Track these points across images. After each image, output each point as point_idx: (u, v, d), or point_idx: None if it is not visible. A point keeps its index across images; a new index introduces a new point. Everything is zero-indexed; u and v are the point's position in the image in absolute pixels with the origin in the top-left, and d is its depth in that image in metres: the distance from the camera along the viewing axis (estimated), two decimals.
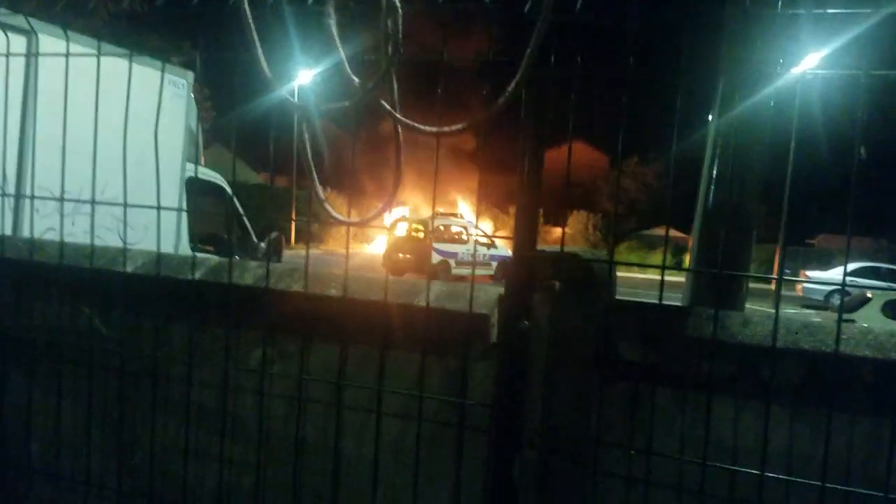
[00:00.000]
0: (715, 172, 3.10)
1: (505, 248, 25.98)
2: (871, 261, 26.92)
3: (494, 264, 24.84)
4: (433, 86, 2.14)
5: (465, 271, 23.28)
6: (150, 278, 2.51)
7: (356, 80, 1.91)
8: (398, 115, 1.90)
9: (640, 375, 1.92)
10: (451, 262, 23.33)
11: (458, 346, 2.15)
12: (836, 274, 24.51)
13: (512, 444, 2.01)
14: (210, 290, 2.42)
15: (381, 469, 2.22)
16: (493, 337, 2.08)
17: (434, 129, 1.88)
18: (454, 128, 1.87)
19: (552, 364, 1.95)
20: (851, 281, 23.28)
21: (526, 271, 1.97)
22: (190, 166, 8.60)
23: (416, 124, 1.89)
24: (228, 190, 10.30)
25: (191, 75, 8.39)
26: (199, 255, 3.35)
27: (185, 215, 8.64)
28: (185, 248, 8.64)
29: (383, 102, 1.91)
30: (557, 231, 38.46)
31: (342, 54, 1.92)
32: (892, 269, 25.85)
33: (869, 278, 24.45)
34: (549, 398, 1.96)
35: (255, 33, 2.02)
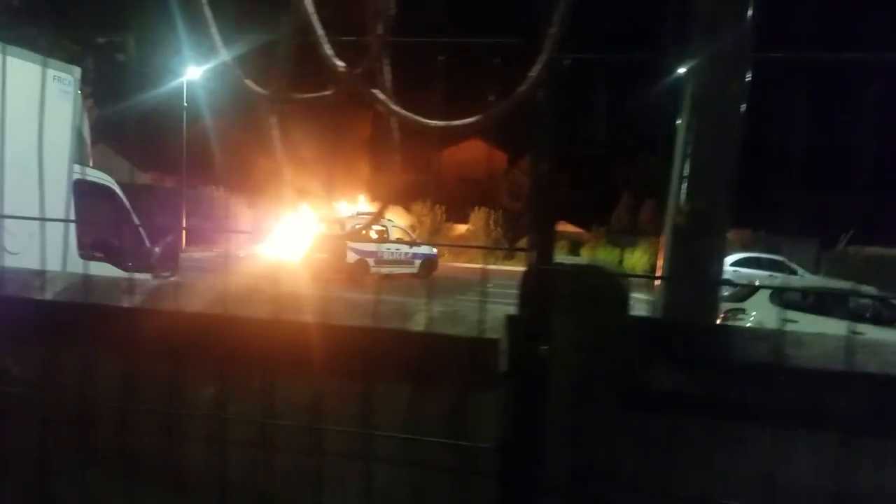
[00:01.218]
0: (687, 171, 2.93)
1: (426, 247, 25.63)
2: (751, 251, 28.36)
3: (418, 262, 24.55)
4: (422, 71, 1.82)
5: (385, 270, 22.71)
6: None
7: (340, 64, 1.57)
8: (394, 106, 1.57)
9: (680, 406, 1.67)
10: (370, 260, 22.73)
11: (458, 377, 1.84)
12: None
13: (529, 491, 1.72)
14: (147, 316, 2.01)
15: None
16: (502, 365, 1.79)
17: (439, 123, 1.57)
18: (465, 121, 1.57)
19: (576, 395, 1.68)
20: (735, 272, 24.32)
21: (543, 288, 1.69)
22: (77, 167, 7.94)
23: (416, 117, 1.57)
24: (119, 192, 9.59)
25: (77, 71, 7.77)
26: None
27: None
28: (74, 257, 7.96)
29: (375, 91, 1.58)
30: (459, 228, 38.41)
31: (320, 32, 1.58)
32: (772, 259, 27.26)
33: (752, 268, 25.70)
34: (573, 436, 1.69)
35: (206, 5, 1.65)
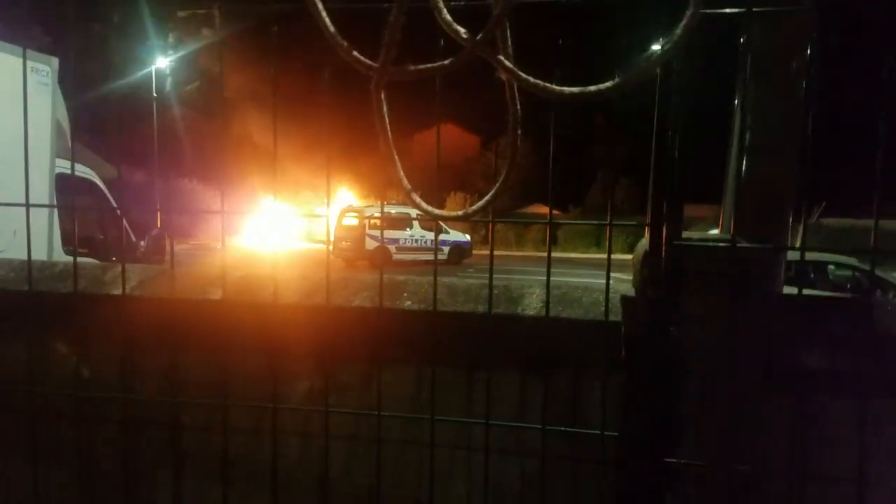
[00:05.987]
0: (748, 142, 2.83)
1: (458, 234, 25.20)
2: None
3: (447, 249, 24.22)
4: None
5: (409, 257, 22.30)
6: None
7: (462, 30, 1.46)
8: (523, 75, 1.46)
9: (825, 385, 1.60)
10: (392, 248, 22.41)
11: (571, 363, 1.75)
12: None
13: (659, 478, 1.64)
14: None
15: None
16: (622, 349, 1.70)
17: (574, 90, 1.46)
18: (601, 87, 1.46)
19: (710, 379, 1.60)
20: None
21: (671, 265, 1.60)
22: (59, 161, 7.72)
23: (548, 85, 1.45)
24: (102, 186, 9.35)
25: (55, 61, 7.46)
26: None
27: (56, 217, 7.72)
28: (59, 253, 7.74)
29: (501, 58, 1.46)
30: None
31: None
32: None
33: None
34: (708, 420, 1.61)
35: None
